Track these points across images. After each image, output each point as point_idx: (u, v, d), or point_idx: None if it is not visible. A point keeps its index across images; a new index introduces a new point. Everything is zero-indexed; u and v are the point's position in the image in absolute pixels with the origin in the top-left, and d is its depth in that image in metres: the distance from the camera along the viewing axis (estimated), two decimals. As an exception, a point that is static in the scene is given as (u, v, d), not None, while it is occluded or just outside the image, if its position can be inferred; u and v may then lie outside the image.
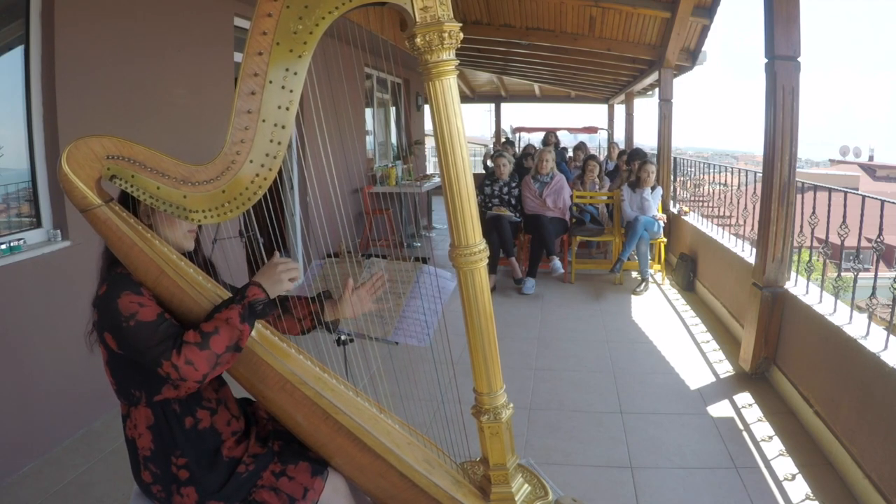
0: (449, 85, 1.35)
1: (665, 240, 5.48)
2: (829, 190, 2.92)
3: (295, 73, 1.27)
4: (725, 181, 5.30)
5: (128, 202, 1.33)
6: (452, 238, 1.43)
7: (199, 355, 1.20)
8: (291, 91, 1.28)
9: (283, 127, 1.29)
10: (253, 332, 1.39)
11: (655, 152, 6.57)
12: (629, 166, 6.05)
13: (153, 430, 1.33)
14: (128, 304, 1.23)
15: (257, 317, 1.30)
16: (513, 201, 5.41)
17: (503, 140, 11.53)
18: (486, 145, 14.69)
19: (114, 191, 1.32)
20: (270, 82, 1.27)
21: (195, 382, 1.22)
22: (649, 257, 5.23)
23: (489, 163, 6.96)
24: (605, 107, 13.00)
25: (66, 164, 1.22)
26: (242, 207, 1.31)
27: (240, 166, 1.29)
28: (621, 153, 7.62)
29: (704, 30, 5.96)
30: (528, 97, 14.09)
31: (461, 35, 1.34)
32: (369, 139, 7.26)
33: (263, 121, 1.28)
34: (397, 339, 1.78)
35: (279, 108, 1.28)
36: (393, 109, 8.38)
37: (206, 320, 1.26)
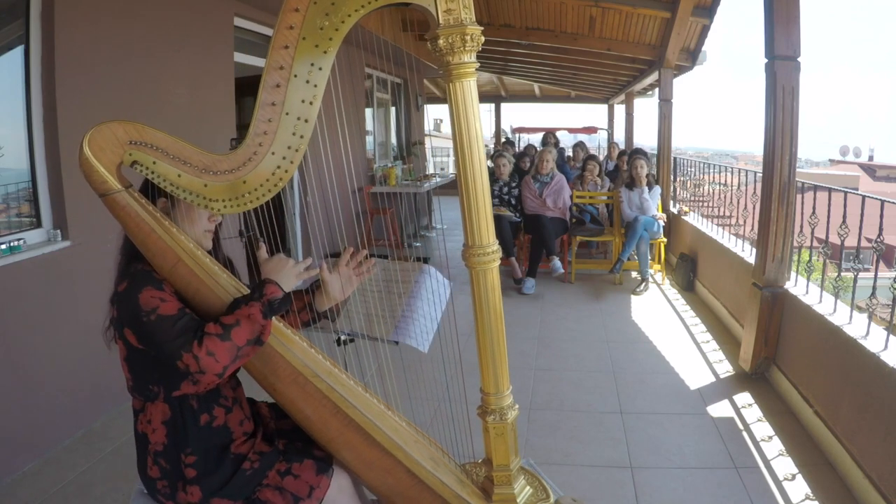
0: (469, 87, 1.36)
1: (665, 240, 5.48)
2: (829, 190, 2.92)
3: (319, 69, 1.29)
4: (725, 181, 5.30)
5: (147, 195, 1.33)
6: (466, 238, 1.43)
7: (221, 346, 1.21)
8: (315, 86, 1.29)
9: (306, 121, 1.30)
10: None
11: (655, 152, 6.57)
12: (629, 167, 6.04)
13: (168, 425, 1.33)
14: (149, 299, 1.23)
15: (275, 313, 1.31)
16: (513, 201, 5.41)
17: (503, 140, 11.52)
18: (486, 145, 14.67)
19: (133, 179, 1.32)
20: (295, 76, 1.28)
21: (214, 376, 1.21)
22: (649, 257, 5.23)
23: (490, 163, 6.97)
24: (605, 107, 13.00)
25: (87, 148, 1.21)
26: (262, 199, 1.32)
27: (262, 157, 1.30)
28: (621, 153, 7.62)
29: (704, 30, 5.96)
30: (528, 97, 14.09)
31: (482, 38, 1.35)
32: (369, 139, 7.26)
33: (287, 114, 1.29)
34: (397, 338, 1.78)
35: (303, 101, 1.29)
36: (393, 109, 8.38)
37: (227, 314, 1.27)
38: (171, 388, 1.31)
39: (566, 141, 12.14)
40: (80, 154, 1.22)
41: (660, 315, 4.52)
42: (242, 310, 1.27)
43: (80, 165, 1.23)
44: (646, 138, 13.00)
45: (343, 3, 1.26)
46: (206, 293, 1.31)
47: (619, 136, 11.04)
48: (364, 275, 1.63)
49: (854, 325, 2.52)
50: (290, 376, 1.38)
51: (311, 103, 1.29)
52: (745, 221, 4.18)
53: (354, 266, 1.59)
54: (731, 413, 2.92)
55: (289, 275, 1.37)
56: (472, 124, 1.37)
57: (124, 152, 1.24)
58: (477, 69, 1.36)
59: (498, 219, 5.12)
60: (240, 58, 4.08)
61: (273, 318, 1.31)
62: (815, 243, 3.07)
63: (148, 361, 1.29)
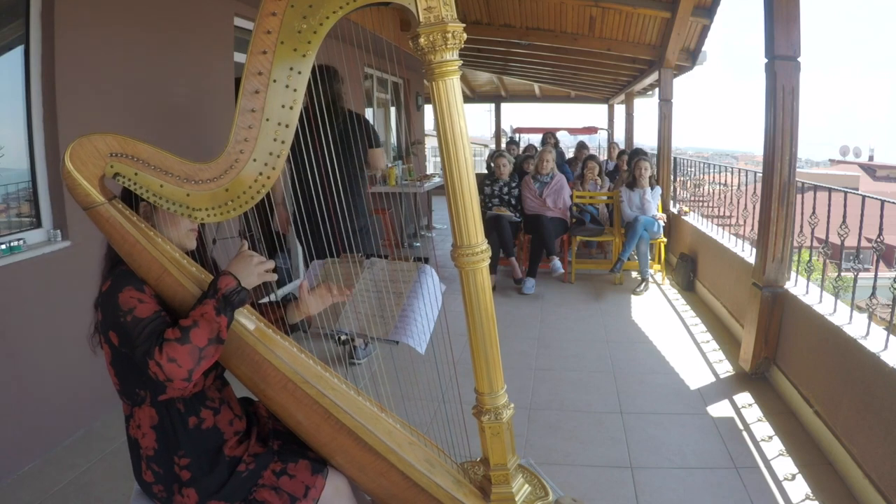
0: (452, 85, 1.35)
1: (665, 240, 5.48)
2: (829, 190, 2.92)
3: (299, 73, 1.28)
4: (725, 181, 5.30)
5: (129, 200, 1.33)
6: (455, 238, 1.43)
7: (181, 350, 1.18)
8: (295, 90, 1.28)
9: (287, 126, 1.29)
10: (254, 330, 1.39)
11: (655, 152, 6.57)
12: (630, 167, 6.05)
13: (157, 429, 1.32)
14: (127, 299, 1.23)
15: (234, 307, 1.28)
16: (513, 201, 5.41)
17: (508, 140, 11.52)
18: (486, 145, 14.65)
19: (117, 189, 1.32)
20: (274, 81, 1.27)
21: (182, 381, 1.19)
22: (649, 257, 5.23)
23: (492, 164, 6.97)
24: (605, 107, 13.00)
25: (69, 162, 1.22)
26: (245, 206, 1.31)
27: (243, 165, 1.29)
28: (621, 153, 7.62)
29: (704, 30, 5.96)
30: (528, 97, 14.08)
31: (465, 35, 1.34)
32: (369, 139, 7.24)
33: (267, 120, 1.28)
34: (397, 337, 1.78)
35: (283, 106, 1.28)
36: (393, 109, 8.37)
37: (185, 317, 1.25)
38: (158, 391, 1.30)
39: (567, 141, 12.13)
40: (62, 168, 1.23)
41: (660, 315, 4.51)
42: (197, 309, 1.24)
43: (63, 179, 1.24)
44: (646, 138, 13.03)
45: (321, 5, 1.25)
46: (192, 302, 1.29)
47: (619, 137, 11.03)
48: (338, 299, 1.64)
49: (854, 325, 2.52)
50: (280, 382, 1.37)
51: (291, 108, 1.29)
52: (745, 221, 4.18)
53: (337, 294, 1.60)
54: (731, 413, 2.91)
55: (251, 272, 1.33)
56: (456, 123, 1.36)
57: (106, 164, 1.25)
58: (460, 66, 1.35)
59: (498, 219, 5.13)
60: (240, 58, 4.08)
61: (231, 313, 1.26)
62: (815, 243, 3.07)
63: (133, 365, 1.26)
